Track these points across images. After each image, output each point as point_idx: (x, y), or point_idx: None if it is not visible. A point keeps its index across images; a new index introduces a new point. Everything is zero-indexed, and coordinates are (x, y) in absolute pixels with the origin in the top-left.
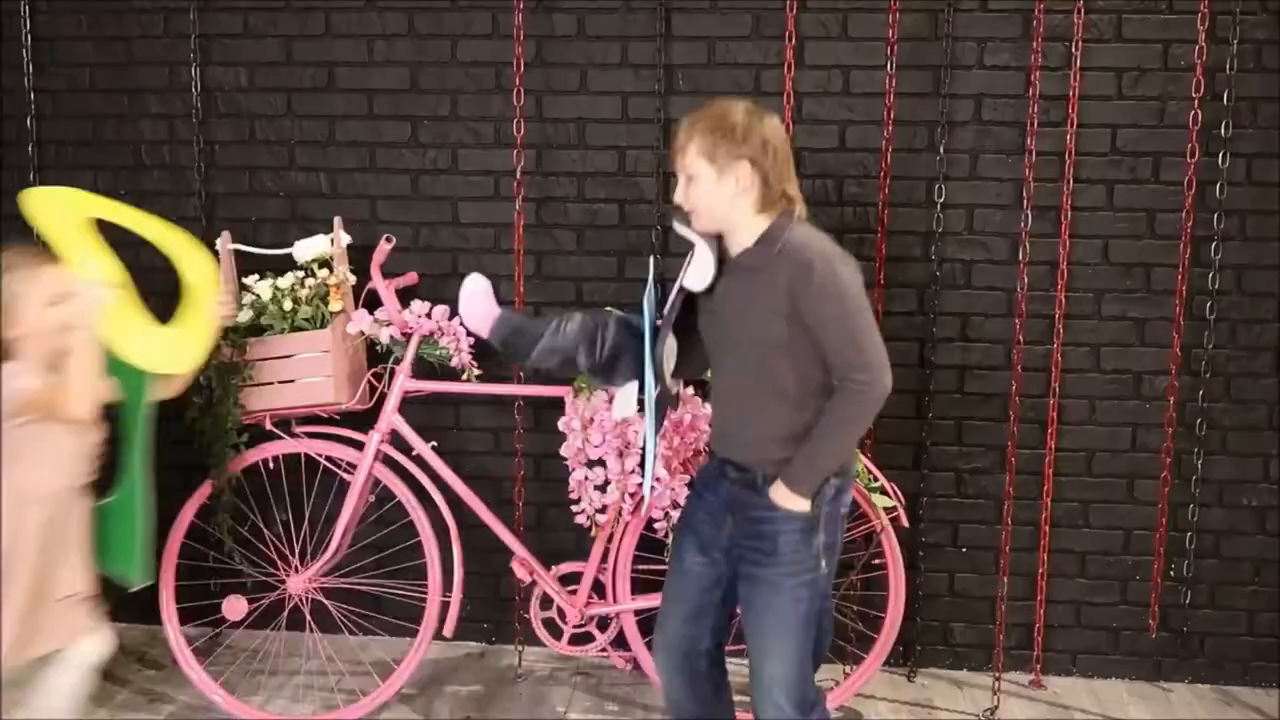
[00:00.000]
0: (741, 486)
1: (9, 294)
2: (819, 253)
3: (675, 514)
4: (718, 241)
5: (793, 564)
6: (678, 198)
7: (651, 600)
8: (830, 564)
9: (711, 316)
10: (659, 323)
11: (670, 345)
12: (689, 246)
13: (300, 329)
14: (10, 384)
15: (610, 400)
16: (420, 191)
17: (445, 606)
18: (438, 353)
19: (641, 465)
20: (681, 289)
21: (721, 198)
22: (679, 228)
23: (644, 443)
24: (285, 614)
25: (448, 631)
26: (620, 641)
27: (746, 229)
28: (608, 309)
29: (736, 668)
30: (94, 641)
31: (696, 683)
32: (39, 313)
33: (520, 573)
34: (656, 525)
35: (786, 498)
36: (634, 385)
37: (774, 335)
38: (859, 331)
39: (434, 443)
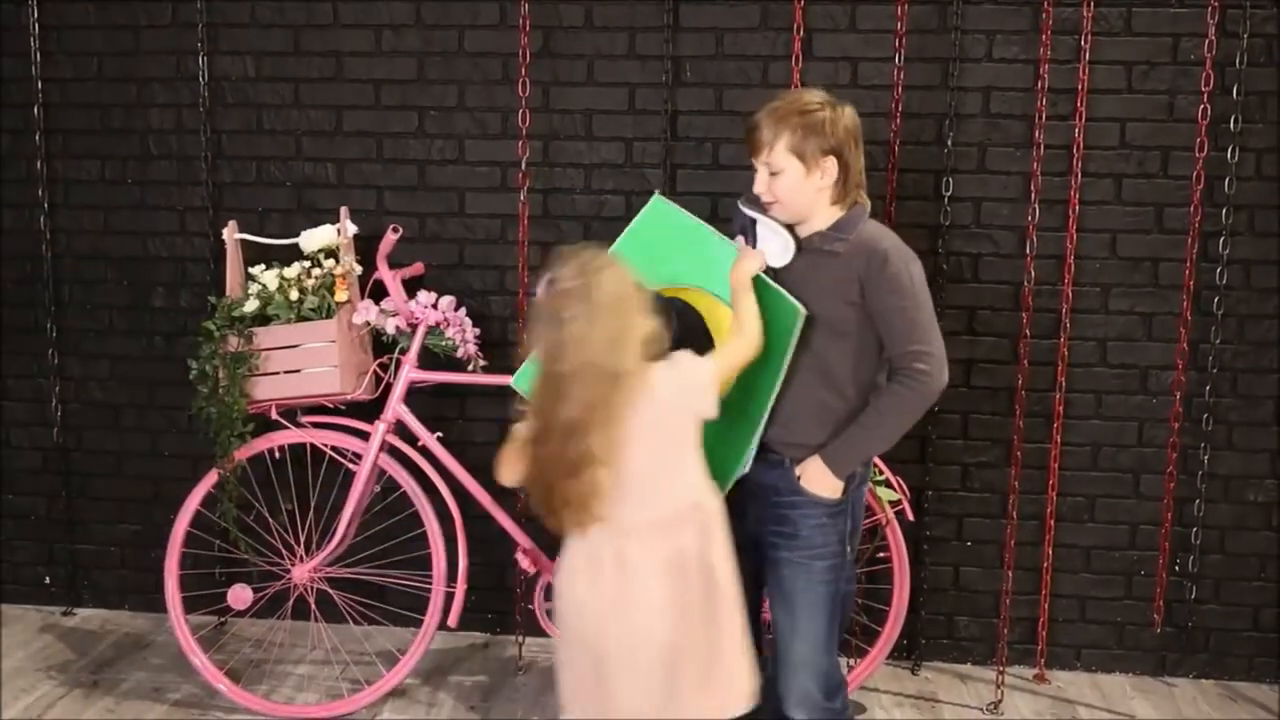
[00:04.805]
0: (765, 469)
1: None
2: (893, 246)
3: None
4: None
5: (819, 546)
6: (758, 189)
7: None
8: (853, 548)
9: None
10: None
11: None
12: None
13: (306, 319)
14: None
15: None
16: (427, 182)
17: (449, 597)
18: (443, 343)
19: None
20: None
21: (807, 191)
22: (749, 212)
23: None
24: (290, 603)
25: (452, 622)
26: None
27: (821, 217)
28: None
29: None
30: None
31: None
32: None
33: (525, 564)
34: None
35: (819, 479)
36: None
37: (837, 318)
38: (924, 324)
39: (439, 433)
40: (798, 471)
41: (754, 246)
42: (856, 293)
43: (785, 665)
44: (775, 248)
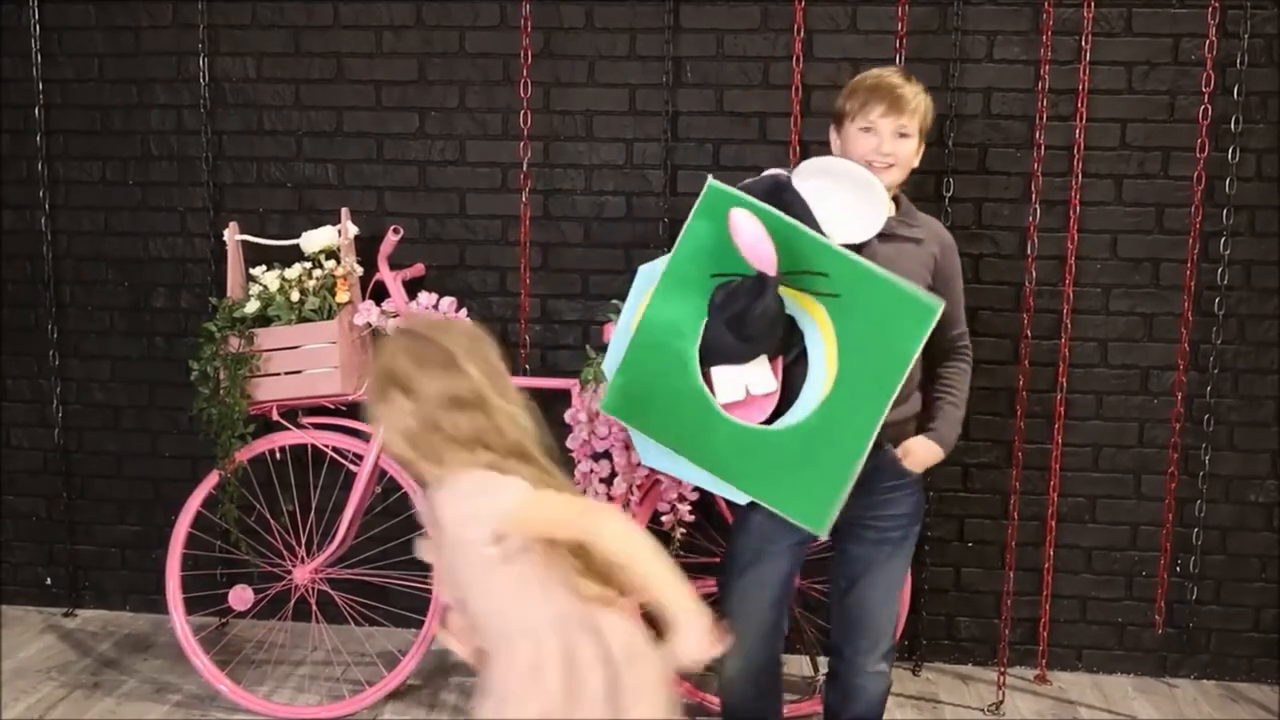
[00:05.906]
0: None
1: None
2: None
3: (681, 507)
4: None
5: (916, 519)
6: (886, 149)
7: None
8: None
9: None
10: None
11: None
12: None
13: (307, 320)
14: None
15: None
16: (427, 183)
17: None
18: None
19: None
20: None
21: (913, 162)
22: (851, 171)
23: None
24: (291, 604)
25: None
26: None
27: (891, 194)
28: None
29: None
30: None
31: (769, 679)
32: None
33: None
34: (663, 519)
35: (928, 458)
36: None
37: None
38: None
39: None
40: (900, 453)
41: (814, 215)
42: (931, 273)
43: (870, 631)
44: (853, 224)
